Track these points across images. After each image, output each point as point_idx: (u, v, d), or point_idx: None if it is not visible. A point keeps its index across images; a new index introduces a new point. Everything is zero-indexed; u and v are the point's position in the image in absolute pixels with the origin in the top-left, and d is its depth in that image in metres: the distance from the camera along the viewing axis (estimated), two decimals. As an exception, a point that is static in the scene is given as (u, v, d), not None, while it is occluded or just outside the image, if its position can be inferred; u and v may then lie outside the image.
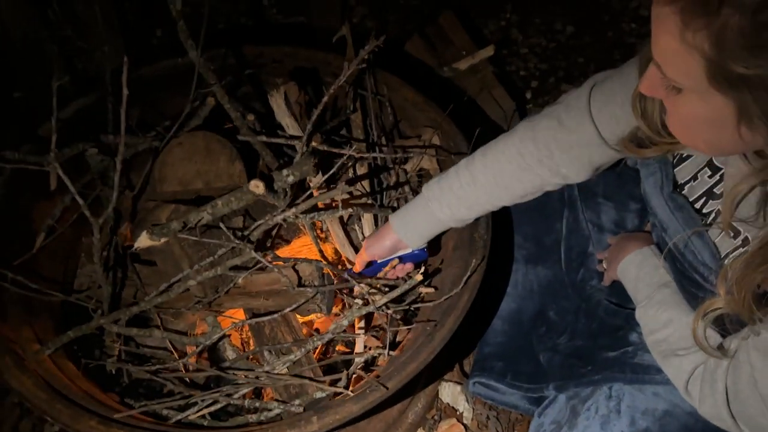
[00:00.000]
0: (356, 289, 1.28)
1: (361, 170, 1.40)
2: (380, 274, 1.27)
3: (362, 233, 1.40)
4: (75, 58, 2.08)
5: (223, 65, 1.47)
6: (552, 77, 2.27)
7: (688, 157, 1.01)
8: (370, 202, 1.37)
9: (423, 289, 1.28)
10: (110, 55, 1.97)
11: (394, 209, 1.36)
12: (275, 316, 1.18)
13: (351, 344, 1.36)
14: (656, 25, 0.72)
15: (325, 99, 1.16)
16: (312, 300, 1.20)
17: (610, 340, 1.21)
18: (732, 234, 0.90)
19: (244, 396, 1.19)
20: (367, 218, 1.39)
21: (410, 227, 1.19)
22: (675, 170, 1.03)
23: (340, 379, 1.18)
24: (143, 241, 1.11)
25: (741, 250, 0.89)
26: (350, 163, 1.37)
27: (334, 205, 1.27)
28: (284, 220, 1.16)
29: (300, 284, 1.19)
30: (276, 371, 1.19)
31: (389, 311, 1.24)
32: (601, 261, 1.30)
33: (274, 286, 1.23)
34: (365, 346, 1.30)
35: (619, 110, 1.01)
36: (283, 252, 1.34)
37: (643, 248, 1.15)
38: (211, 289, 1.20)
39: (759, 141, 0.73)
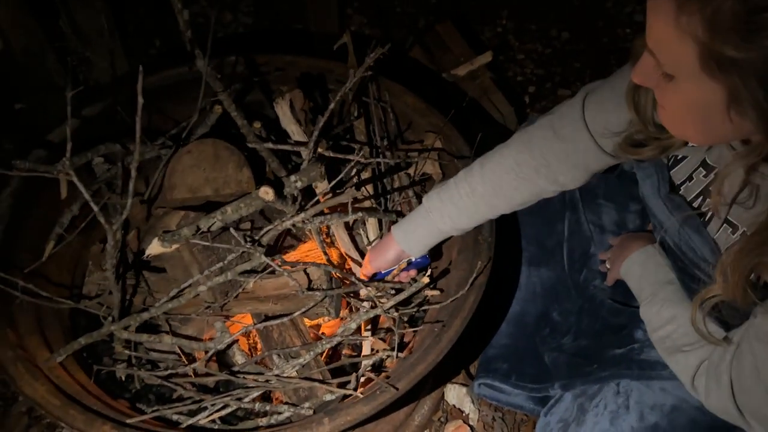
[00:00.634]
0: (363, 292, 1.30)
1: (365, 175, 1.42)
2: (387, 278, 1.29)
3: (367, 237, 1.42)
4: (76, 68, 2.10)
5: (227, 73, 1.49)
6: (549, 82, 2.30)
7: (683, 158, 1.03)
8: (374, 206, 1.39)
9: (429, 292, 1.30)
10: (110, 66, 1.99)
11: (398, 213, 1.38)
12: (285, 319, 1.20)
13: (358, 348, 1.37)
14: (651, 12, 0.74)
15: (332, 106, 1.19)
16: (320, 303, 1.22)
17: (616, 339, 1.22)
18: (731, 229, 0.93)
19: (253, 400, 1.20)
20: (371, 222, 1.41)
21: (412, 238, 1.22)
22: (671, 172, 1.06)
23: (349, 382, 1.20)
24: (155, 247, 1.13)
25: (738, 241, 0.91)
26: (356, 169, 1.39)
27: (340, 210, 1.29)
28: (293, 225, 1.17)
29: (309, 288, 1.21)
30: (285, 375, 1.21)
31: (396, 314, 1.26)
32: (603, 261, 1.33)
33: (283, 291, 1.24)
34: (372, 349, 1.31)
35: (612, 117, 1.04)
36: (290, 257, 1.35)
37: (647, 247, 1.17)
38: (220, 294, 1.22)
39: (748, 126, 0.75)
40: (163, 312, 1.19)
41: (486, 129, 1.40)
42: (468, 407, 1.58)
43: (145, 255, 1.17)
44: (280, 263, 1.14)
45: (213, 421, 1.19)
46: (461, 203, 1.17)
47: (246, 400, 1.19)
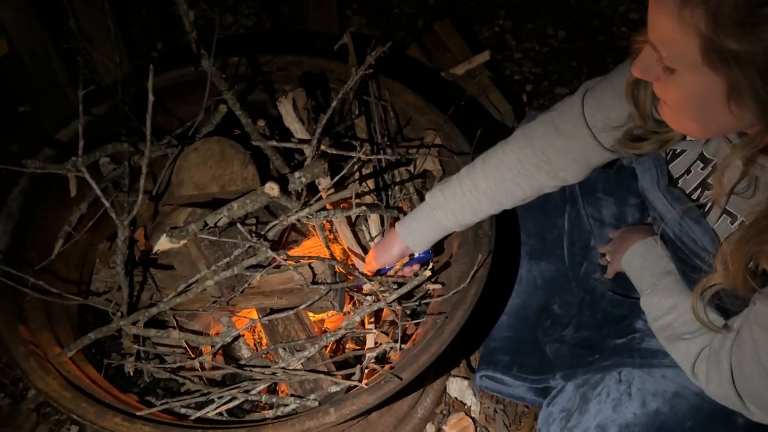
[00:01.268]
0: (366, 287, 1.33)
1: (367, 172, 1.44)
2: (389, 273, 1.31)
3: (369, 233, 1.45)
4: (80, 69, 2.13)
5: (230, 73, 1.52)
6: (546, 81, 2.33)
7: (681, 152, 1.06)
8: (376, 202, 1.42)
9: (431, 285, 1.33)
10: (115, 67, 2.02)
11: (399, 209, 1.41)
12: (290, 312, 1.22)
13: (361, 342, 1.40)
14: (655, 6, 0.76)
15: (334, 104, 1.21)
16: (324, 297, 1.24)
17: (617, 329, 1.25)
18: (730, 219, 0.95)
19: (260, 392, 1.22)
20: (373, 218, 1.43)
21: (417, 235, 1.25)
22: (669, 166, 1.08)
23: (354, 373, 1.22)
24: (163, 243, 1.15)
25: (738, 235, 0.94)
26: (357, 166, 1.42)
27: (342, 206, 1.32)
28: (298, 220, 1.20)
29: (313, 282, 1.23)
30: (291, 367, 1.23)
31: (399, 307, 1.29)
32: (603, 255, 1.35)
33: (288, 285, 1.27)
34: (376, 342, 1.34)
35: (611, 113, 1.07)
36: (294, 253, 1.38)
37: (647, 239, 1.19)
38: (227, 289, 1.24)
39: (748, 117, 0.77)
40: (170, 307, 1.21)
41: (484, 127, 1.42)
42: (470, 399, 1.60)
43: (154, 251, 1.19)
44: (285, 258, 1.17)
45: (220, 413, 1.22)
46: (464, 199, 1.20)
47: (253, 392, 1.21)
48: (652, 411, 1.10)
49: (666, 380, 1.13)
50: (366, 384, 1.12)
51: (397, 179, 1.47)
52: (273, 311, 1.27)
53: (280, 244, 1.33)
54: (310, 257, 1.23)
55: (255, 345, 1.41)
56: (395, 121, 1.53)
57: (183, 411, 1.21)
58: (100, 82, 2.10)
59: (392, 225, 1.46)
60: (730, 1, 0.68)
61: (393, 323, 1.32)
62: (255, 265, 1.20)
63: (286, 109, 1.38)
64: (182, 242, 1.17)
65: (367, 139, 1.47)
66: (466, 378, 1.62)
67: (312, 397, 1.19)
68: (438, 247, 1.36)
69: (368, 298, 1.30)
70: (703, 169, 1.01)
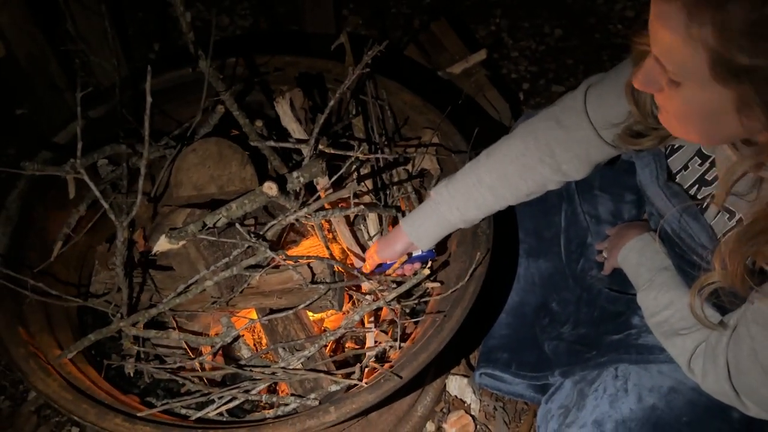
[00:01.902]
0: (364, 286, 1.33)
1: (364, 172, 1.45)
2: (389, 271, 1.32)
3: (367, 232, 1.45)
4: (78, 72, 2.13)
5: (228, 74, 1.52)
6: (542, 79, 2.33)
7: (679, 148, 1.06)
8: (374, 201, 1.42)
9: (430, 284, 1.33)
10: (112, 69, 2.02)
11: (397, 208, 1.41)
12: (289, 312, 1.22)
13: (361, 341, 1.40)
14: (659, 21, 0.75)
15: (332, 104, 1.21)
16: (324, 297, 1.24)
17: (613, 325, 1.25)
18: (728, 216, 0.95)
19: (260, 392, 1.23)
20: (372, 218, 1.44)
21: (422, 231, 1.24)
22: (668, 161, 1.09)
23: (353, 372, 1.23)
24: (162, 244, 1.15)
25: (736, 230, 0.94)
26: (355, 166, 1.42)
27: (340, 205, 1.32)
28: (296, 220, 1.20)
29: (313, 281, 1.24)
30: (291, 367, 1.23)
31: (398, 306, 1.29)
32: (600, 252, 1.35)
33: (287, 285, 1.27)
34: (375, 341, 1.34)
35: (613, 109, 1.07)
36: (293, 253, 1.38)
37: (643, 234, 1.20)
38: (226, 289, 1.25)
39: (756, 127, 0.77)
40: (170, 308, 1.21)
41: (481, 125, 1.43)
42: (469, 398, 1.61)
43: (153, 252, 1.20)
44: (284, 258, 1.17)
45: (221, 413, 1.22)
46: (469, 194, 1.19)
47: (253, 392, 1.21)
48: (649, 406, 1.11)
49: (662, 375, 1.13)
50: (366, 383, 1.13)
51: (395, 179, 1.48)
52: (272, 311, 1.27)
53: (278, 244, 1.33)
54: (309, 257, 1.23)
55: (255, 345, 1.41)
56: (393, 120, 1.53)
57: (183, 411, 1.21)
58: (98, 85, 2.11)
59: (391, 224, 1.47)
60: (740, 16, 0.67)
61: (392, 322, 1.33)
62: (254, 265, 1.20)
63: (283, 110, 1.38)
64: (181, 243, 1.17)
65: (364, 138, 1.47)
66: (465, 376, 1.63)
67: (312, 396, 1.20)
68: (441, 247, 1.36)
69: (367, 297, 1.30)
70: (701, 165, 1.02)
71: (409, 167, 1.49)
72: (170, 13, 2.42)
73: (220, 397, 1.21)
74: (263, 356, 1.31)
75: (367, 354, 1.27)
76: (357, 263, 1.38)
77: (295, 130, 1.39)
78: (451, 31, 2.13)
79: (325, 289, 1.23)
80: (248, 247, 1.20)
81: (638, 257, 1.18)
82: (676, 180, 1.07)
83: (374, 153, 1.44)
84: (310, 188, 1.34)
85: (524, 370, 1.39)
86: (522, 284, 1.44)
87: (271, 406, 1.26)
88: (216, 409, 1.21)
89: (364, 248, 1.43)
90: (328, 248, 1.36)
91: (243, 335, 1.35)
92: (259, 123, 1.33)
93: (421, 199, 1.47)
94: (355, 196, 1.39)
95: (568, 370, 1.25)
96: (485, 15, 2.52)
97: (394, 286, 1.28)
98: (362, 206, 1.25)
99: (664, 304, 1.09)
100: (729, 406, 1.00)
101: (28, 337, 1.21)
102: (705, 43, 0.70)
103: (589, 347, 1.26)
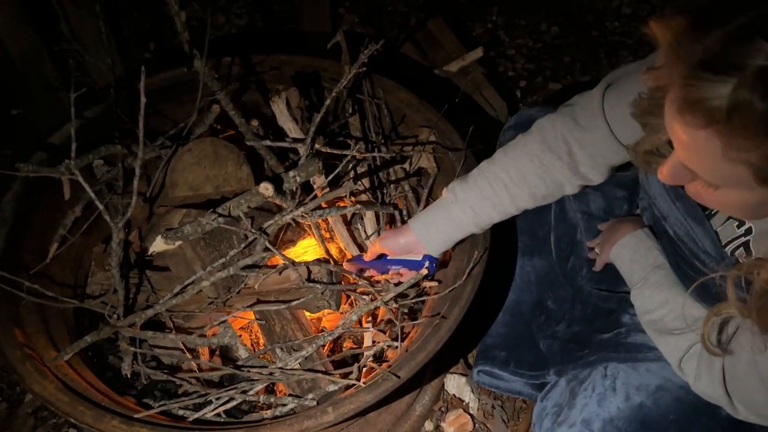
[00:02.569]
0: (362, 287, 1.32)
1: (361, 171, 1.44)
2: (385, 276, 1.31)
3: (365, 232, 1.45)
4: (73, 72, 2.12)
5: (223, 74, 1.52)
6: (539, 77, 2.33)
7: None
8: (371, 200, 1.42)
9: (427, 283, 1.33)
10: (107, 69, 2.01)
11: (395, 206, 1.41)
12: (282, 307, 1.22)
13: (359, 341, 1.40)
14: (691, 144, 0.72)
15: (328, 102, 1.21)
16: (321, 296, 1.24)
17: (604, 323, 1.25)
18: (737, 223, 0.94)
19: (258, 392, 1.22)
20: (369, 217, 1.43)
21: (432, 232, 1.21)
22: None
23: (351, 372, 1.22)
24: (158, 245, 1.15)
25: (743, 239, 0.93)
26: (351, 165, 1.42)
27: (337, 204, 1.32)
28: (293, 219, 1.20)
29: (309, 280, 1.23)
30: (288, 367, 1.23)
31: (396, 305, 1.29)
32: (592, 249, 1.34)
33: (284, 285, 1.27)
34: (373, 341, 1.34)
35: (630, 111, 1.01)
36: (290, 253, 1.38)
37: (637, 231, 1.18)
38: (223, 290, 1.24)
39: None
40: (167, 309, 1.21)
41: (479, 123, 1.43)
42: (468, 396, 1.60)
43: (149, 252, 1.19)
44: (283, 258, 1.17)
45: (218, 414, 1.21)
46: (484, 192, 1.16)
47: (250, 392, 1.21)
48: (636, 405, 1.10)
49: (650, 374, 1.13)
50: (364, 383, 1.12)
51: (393, 177, 1.47)
52: (261, 301, 1.26)
53: (275, 244, 1.33)
54: (307, 263, 1.23)
55: (252, 345, 1.41)
56: (389, 119, 1.53)
57: (181, 413, 1.20)
58: (93, 85, 2.09)
59: (388, 223, 1.47)
60: None
61: (390, 322, 1.32)
62: (251, 265, 1.20)
63: (279, 109, 1.38)
64: (177, 243, 1.16)
65: (361, 137, 1.47)
66: (464, 375, 1.62)
67: (310, 396, 1.19)
68: (443, 263, 1.33)
69: (365, 297, 1.29)
70: None
71: (406, 166, 1.49)
72: (166, 12, 2.41)
73: (217, 398, 1.21)
74: (261, 357, 1.31)
75: (365, 354, 1.27)
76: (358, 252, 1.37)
77: (292, 129, 1.39)
78: (447, 29, 2.12)
79: (322, 288, 1.23)
80: (245, 247, 1.19)
81: (632, 254, 1.17)
82: None
83: (371, 152, 1.44)
84: (307, 187, 1.34)
85: (522, 369, 1.38)
86: (518, 283, 1.43)
87: (269, 406, 1.26)
88: (213, 410, 1.20)
89: (361, 248, 1.43)
90: (325, 247, 1.36)
91: (240, 336, 1.34)
92: (255, 122, 1.33)
93: (419, 198, 1.47)
94: (352, 195, 1.39)
95: (562, 369, 1.25)
96: (482, 13, 2.51)
97: (392, 284, 1.28)
98: (359, 205, 1.24)
99: (659, 303, 1.08)
100: (716, 405, 1.00)
101: (24, 339, 1.21)
102: (747, 162, 0.68)
103: (581, 345, 1.26)
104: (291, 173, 1.21)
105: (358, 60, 1.22)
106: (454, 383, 1.61)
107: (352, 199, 1.38)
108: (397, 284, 1.25)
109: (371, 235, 1.44)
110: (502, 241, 1.41)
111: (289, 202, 1.20)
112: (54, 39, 1.98)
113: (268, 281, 1.27)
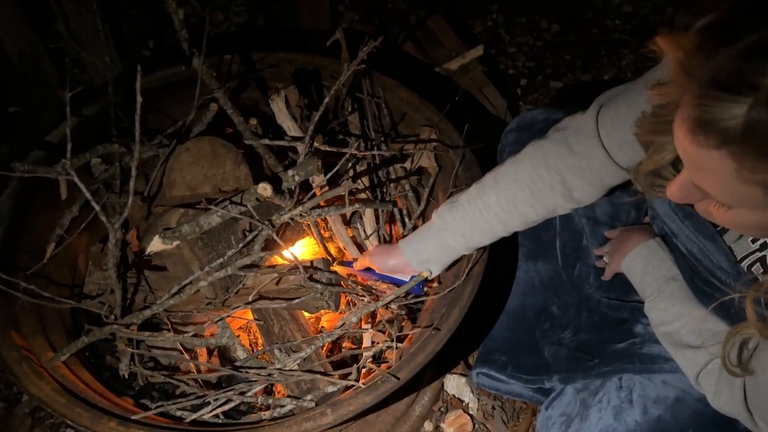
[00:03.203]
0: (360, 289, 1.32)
1: (361, 169, 1.43)
2: (372, 282, 1.31)
3: (364, 231, 1.44)
4: (70, 70, 2.11)
5: (222, 72, 1.51)
6: (540, 75, 2.32)
7: None
8: (370, 198, 1.41)
9: (427, 284, 1.32)
10: (105, 67, 2.00)
11: (394, 204, 1.40)
12: (281, 305, 1.21)
13: (358, 341, 1.39)
14: (702, 164, 0.70)
15: (326, 101, 1.20)
16: (320, 297, 1.23)
17: (615, 333, 1.22)
18: (751, 239, 0.92)
19: (256, 394, 1.21)
20: (368, 216, 1.42)
21: (423, 255, 1.20)
22: None
23: (350, 373, 1.21)
24: (156, 245, 1.14)
25: (759, 254, 0.91)
26: (350, 163, 1.41)
27: (336, 203, 1.31)
28: (291, 218, 1.19)
29: (309, 278, 1.22)
30: (287, 368, 1.22)
31: (395, 306, 1.28)
32: (600, 257, 1.30)
33: (283, 285, 1.26)
34: (372, 341, 1.33)
35: (628, 134, 0.99)
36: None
37: (649, 241, 1.15)
38: (221, 290, 1.23)
39: None
40: (164, 309, 1.20)
41: (479, 121, 1.41)
42: (468, 397, 1.60)
43: (147, 252, 1.18)
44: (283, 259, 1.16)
45: (216, 415, 1.20)
46: (474, 220, 1.15)
47: (249, 394, 1.20)
48: (654, 418, 1.08)
49: (667, 386, 1.10)
50: (363, 384, 1.11)
51: (392, 176, 1.46)
52: (261, 297, 1.25)
53: (274, 243, 1.32)
54: (305, 266, 1.22)
55: (251, 346, 1.40)
56: (389, 117, 1.52)
57: (179, 414, 1.19)
58: (91, 83, 2.08)
59: (387, 222, 1.46)
60: None
61: (389, 322, 1.32)
62: (249, 265, 1.19)
63: (278, 107, 1.37)
64: (175, 243, 1.15)
65: (360, 135, 1.46)
66: (463, 375, 1.61)
67: (309, 397, 1.19)
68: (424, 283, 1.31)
69: (364, 298, 1.28)
70: None
71: (406, 165, 1.47)
72: (165, 10, 2.40)
73: (215, 399, 1.20)
74: (259, 357, 1.30)
75: (364, 354, 1.26)
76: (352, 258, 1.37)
77: (291, 127, 1.38)
78: (447, 27, 2.11)
79: (321, 288, 1.22)
80: (242, 247, 1.18)
81: (644, 265, 1.13)
82: None
83: (370, 150, 1.43)
84: (306, 186, 1.33)
85: (520, 372, 1.37)
86: (522, 287, 1.41)
87: (268, 407, 1.25)
88: (211, 411, 1.19)
89: (360, 247, 1.42)
90: (324, 246, 1.35)
91: (239, 336, 1.33)
92: (253, 121, 1.32)
93: (419, 197, 1.46)
94: (352, 194, 1.38)
95: (569, 377, 1.23)
96: (482, 11, 2.50)
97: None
98: (356, 204, 1.23)
99: (674, 315, 1.05)
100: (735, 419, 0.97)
101: (21, 340, 1.20)
102: (762, 183, 0.66)
103: (590, 354, 1.23)
104: (290, 172, 1.20)
105: (357, 58, 1.21)
106: (454, 384, 1.61)
107: (351, 198, 1.37)
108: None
109: (371, 234, 1.43)
110: (503, 242, 1.40)
111: (287, 202, 1.19)
112: (52, 37, 1.97)
113: (267, 281, 1.26)
